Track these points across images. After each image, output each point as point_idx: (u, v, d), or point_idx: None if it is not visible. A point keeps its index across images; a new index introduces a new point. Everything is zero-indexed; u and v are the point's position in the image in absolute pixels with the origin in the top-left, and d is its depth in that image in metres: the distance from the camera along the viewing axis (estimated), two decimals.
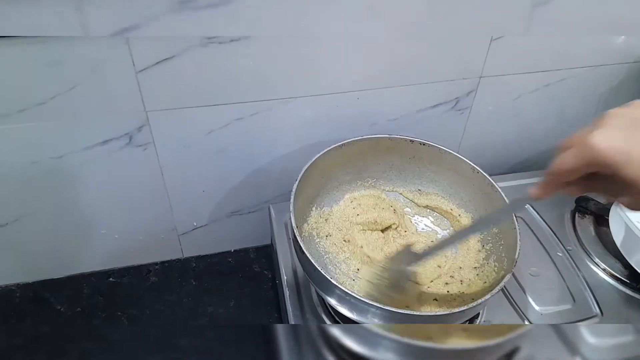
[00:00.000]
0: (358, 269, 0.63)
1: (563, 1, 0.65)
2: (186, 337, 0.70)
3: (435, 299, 0.60)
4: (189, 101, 0.63)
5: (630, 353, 0.58)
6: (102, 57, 0.56)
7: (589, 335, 0.60)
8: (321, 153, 0.63)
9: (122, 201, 0.71)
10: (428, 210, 0.70)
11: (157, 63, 0.58)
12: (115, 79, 0.59)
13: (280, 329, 0.56)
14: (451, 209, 0.68)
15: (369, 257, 0.63)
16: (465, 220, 0.67)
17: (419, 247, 0.61)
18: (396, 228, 0.68)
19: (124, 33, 0.54)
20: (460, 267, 0.63)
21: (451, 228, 0.69)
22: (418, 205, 0.70)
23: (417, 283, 0.62)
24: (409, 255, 0.59)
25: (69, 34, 0.53)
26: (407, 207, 0.71)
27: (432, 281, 0.63)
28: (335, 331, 0.54)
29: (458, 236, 0.61)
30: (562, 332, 0.59)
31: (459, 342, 0.51)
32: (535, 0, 0.64)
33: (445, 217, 0.69)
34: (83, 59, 0.56)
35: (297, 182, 0.59)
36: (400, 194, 0.71)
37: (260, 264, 0.83)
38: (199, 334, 0.71)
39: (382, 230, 0.67)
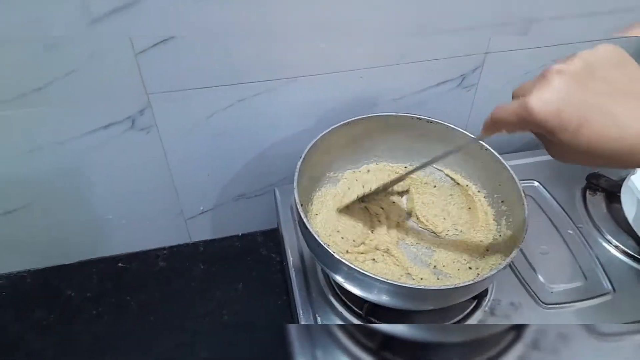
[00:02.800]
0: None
1: None
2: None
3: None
4: (191, 83, 0.63)
5: None
6: (100, 40, 0.56)
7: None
8: (326, 131, 0.62)
9: (127, 186, 0.71)
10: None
11: (156, 44, 0.58)
12: (115, 62, 0.58)
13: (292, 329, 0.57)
14: (460, 180, 0.67)
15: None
16: (475, 189, 0.66)
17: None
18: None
19: (121, 11, 0.54)
20: (467, 245, 0.62)
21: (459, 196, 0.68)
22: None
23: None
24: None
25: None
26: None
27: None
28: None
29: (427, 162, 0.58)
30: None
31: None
32: None
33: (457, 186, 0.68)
34: (79, 42, 0.55)
35: (301, 160, 0.58)
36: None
37: (268, 247, 0.83)
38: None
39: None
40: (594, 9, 0.69)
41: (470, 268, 0.59)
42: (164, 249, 0.82)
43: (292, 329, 0.57)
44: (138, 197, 0.74)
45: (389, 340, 0.56)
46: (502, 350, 0.56)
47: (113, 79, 0.60)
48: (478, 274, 0.58)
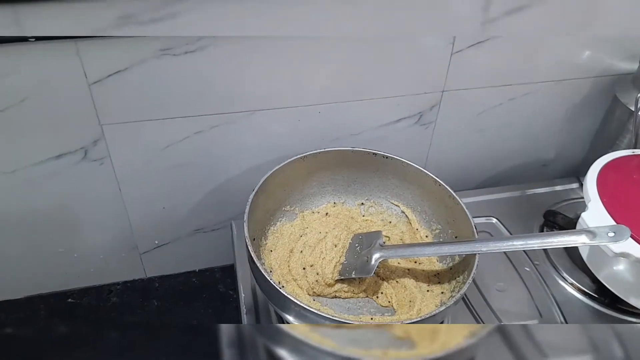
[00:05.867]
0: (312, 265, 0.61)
1: (517, 18, 0.65)
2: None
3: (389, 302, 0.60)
4: (146, 114, 0.62)
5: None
6: (53, 69, 0.55)
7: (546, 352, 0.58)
8: (282, 164, 0.62)
9: (79, 218, 0.70)
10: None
11: (110, 75, 0.58)
12: (68, 91, 0.58)
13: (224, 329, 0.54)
14: (411, 221, 0.67)
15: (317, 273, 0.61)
16: (423, 233, 0.66)
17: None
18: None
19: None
20: (417, 278, 0.61)
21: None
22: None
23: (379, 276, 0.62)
24: (374, 242, 0.59)
25: None
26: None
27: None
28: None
29: (433, 248, 0.59)
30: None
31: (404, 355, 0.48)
32: (487, 17, 0.64)
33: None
34: (32, 70, 0.55)
35: (253, 193, 0.57)
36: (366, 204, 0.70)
37: (226, 284, 0.81)
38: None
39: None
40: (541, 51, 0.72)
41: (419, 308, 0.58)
42: (117, 284, 0.79)
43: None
44: (91, 230, 0.72)
45: None
46: None
47: (66, 108, 0.59)
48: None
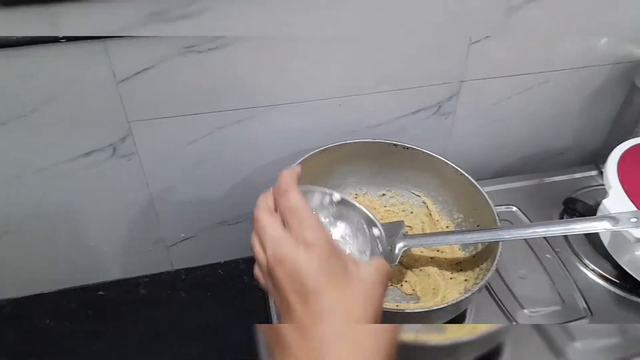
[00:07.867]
0: None
1: (537, 6, 0.66)
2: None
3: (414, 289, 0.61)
4: (171, 110, 0.64)
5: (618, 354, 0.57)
6: (82, 68, 0.57)
7: (575, 337, 0.59)
8: (304, 158, 0.63)
9: (109, 213, 0.72)
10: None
11: (136, 73, 0.59)
12: (96, 90, 0.59)
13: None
14: (431, 212, 0.68)
15: None
16: (444, 223, 0.67)
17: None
18: None
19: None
20: (440, 266, 0.63)
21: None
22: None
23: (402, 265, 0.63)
24: (397, 232, 0.59)
25: None
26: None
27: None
28: None
29: (456, 236, 0.60)
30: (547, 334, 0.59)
31: (434, 338, 0.50)
32: (510, 5, 0.65)
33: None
34: (61, 70, 0.57)
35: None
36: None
37: (250, 274, 0.81)
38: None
39: None
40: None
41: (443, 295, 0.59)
42: (145, 276, 0.81)
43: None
44: (120, 224, 0.74)
45: None
46: None
47: (95, 106, 0.61)
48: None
